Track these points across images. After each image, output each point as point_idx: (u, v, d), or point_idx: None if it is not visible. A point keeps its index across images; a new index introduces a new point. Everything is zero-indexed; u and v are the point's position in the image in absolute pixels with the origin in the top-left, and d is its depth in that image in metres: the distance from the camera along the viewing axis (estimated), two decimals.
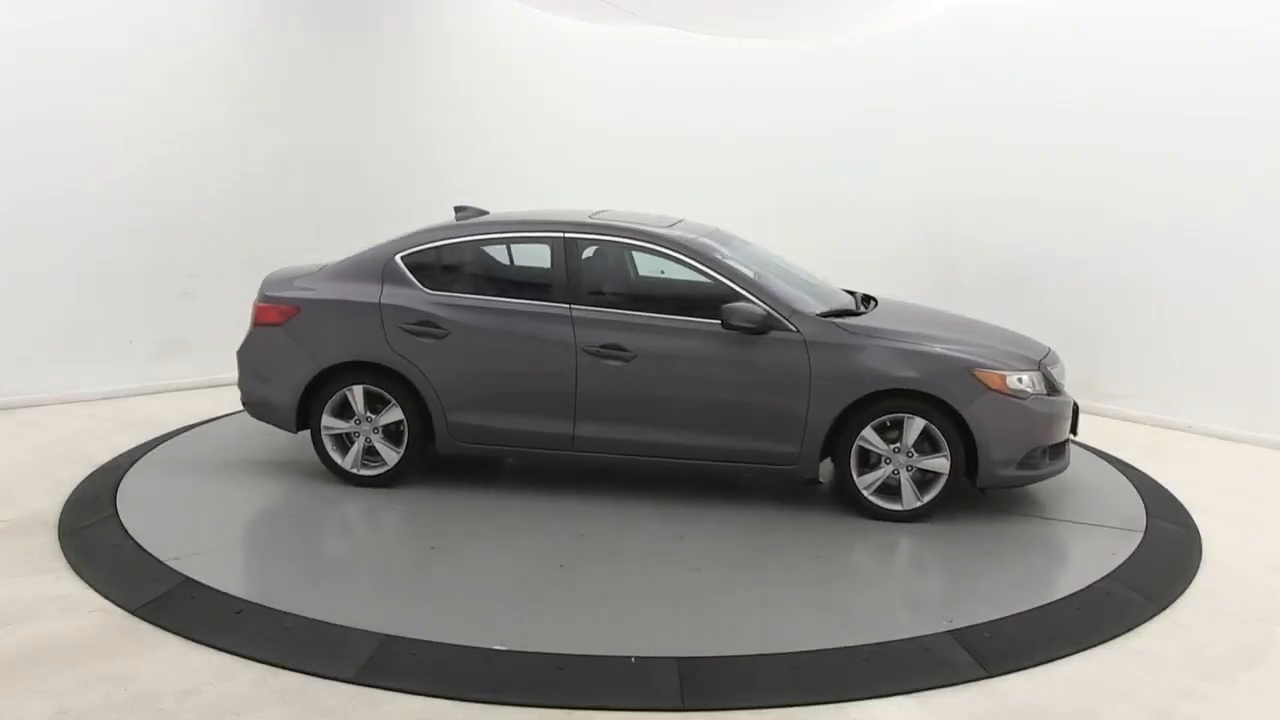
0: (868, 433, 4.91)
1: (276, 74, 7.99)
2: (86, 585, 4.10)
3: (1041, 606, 4.07)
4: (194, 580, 4.09)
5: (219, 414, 6.83)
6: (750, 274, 5.24)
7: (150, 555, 4.33)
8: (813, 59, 9.35)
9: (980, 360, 4.94)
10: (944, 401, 4.83)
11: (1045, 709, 3.34)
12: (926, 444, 4.90)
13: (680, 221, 5.76)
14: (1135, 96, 7.34)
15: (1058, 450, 5.15)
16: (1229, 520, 5.25)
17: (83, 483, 5.34)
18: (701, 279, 5.18)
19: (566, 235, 5.32)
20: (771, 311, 4.99)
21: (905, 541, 4.76)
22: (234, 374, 5.63)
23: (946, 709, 3.33)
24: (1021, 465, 4.95)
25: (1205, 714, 3.34)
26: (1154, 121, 7.25)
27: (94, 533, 4.63)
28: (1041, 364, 5.13)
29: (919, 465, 4.91)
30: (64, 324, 7.10)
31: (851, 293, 5.86)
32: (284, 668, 3.46)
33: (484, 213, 5.97)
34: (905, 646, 3.71)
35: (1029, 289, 8.05)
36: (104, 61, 7.11)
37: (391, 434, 5.29)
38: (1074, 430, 5.24)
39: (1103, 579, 4.36)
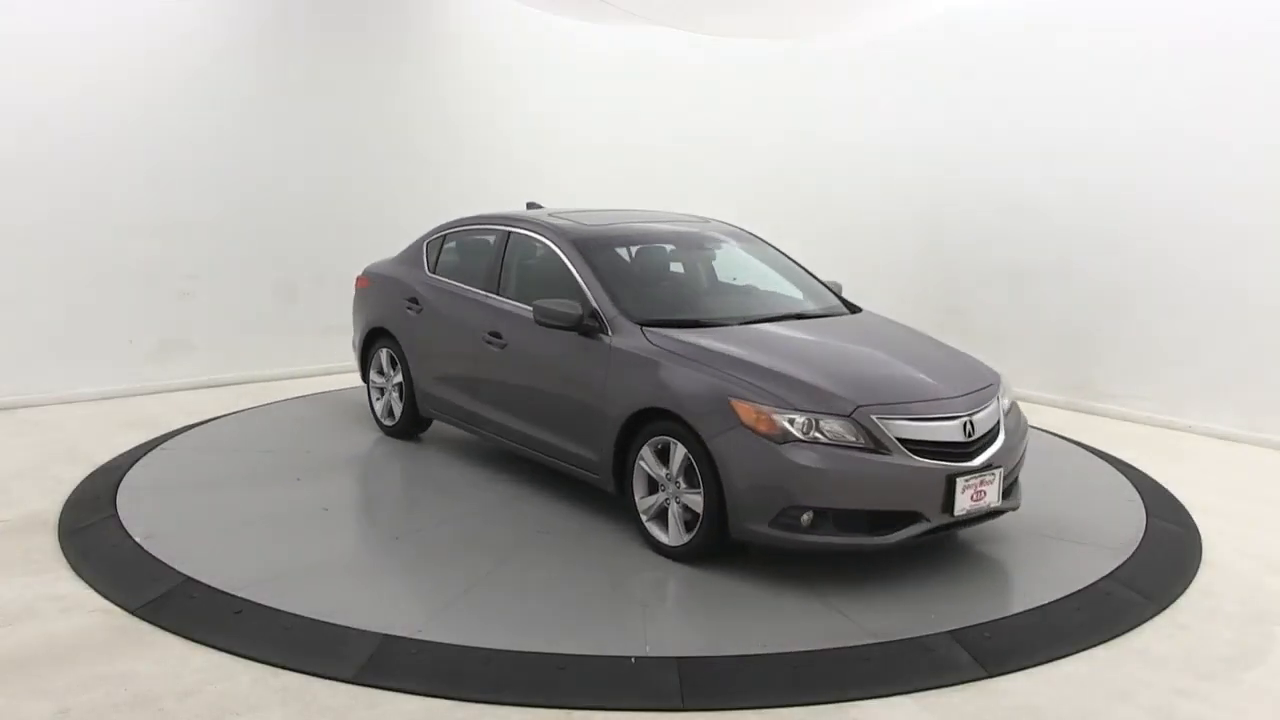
0: (645, 453, 4.47)
1: (275, 75, 7.99)
2: (86, 585, 4.10)
3: (1041, 606, 4.06)
4: (194, 580, 4.09)
5: (219, 414, 6.83)
6: (606, 270, 5.04)
7: (150, 555, 4.33)
8: (812, 59, 9.36)
9: (739, 391, 4.17)
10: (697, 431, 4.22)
11: (1045, 709, 3.33)
12: (696, 476, 4.27)
13: (710, 221, 5.96)
14: (1136, 96, 7.34)
15: (849, 520, 4.08)
16: (1229, 520, 5.25)
17: (83, 483, 5.35)
18: (566, 271, 5.12)
19: (502, 228, 5.75)
20: (592, 311, 4.81)
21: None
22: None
23: (946, 709, 3.33)
24: (774, 524, 4.05)
25: (1205, 714, 3.34)
26: (1154, 121, 7.25)
27: (94, 533, 4.63)
28: (858, 413, 4.07)
29: (682, 498, 4.35)
30: (64, 324, 7.11)
31: (844, 300, 5.53)
32: (284, 668, 3.46)
33: (539, 208, 6.35)
34: (905, 646, 3.70)
35: (1029, 289, 8.06)
36: (104, 63, 7.12)
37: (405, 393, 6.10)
38: (949, 510, 4.11)
39: (1103, 579, 4.36)
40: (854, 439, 4.05)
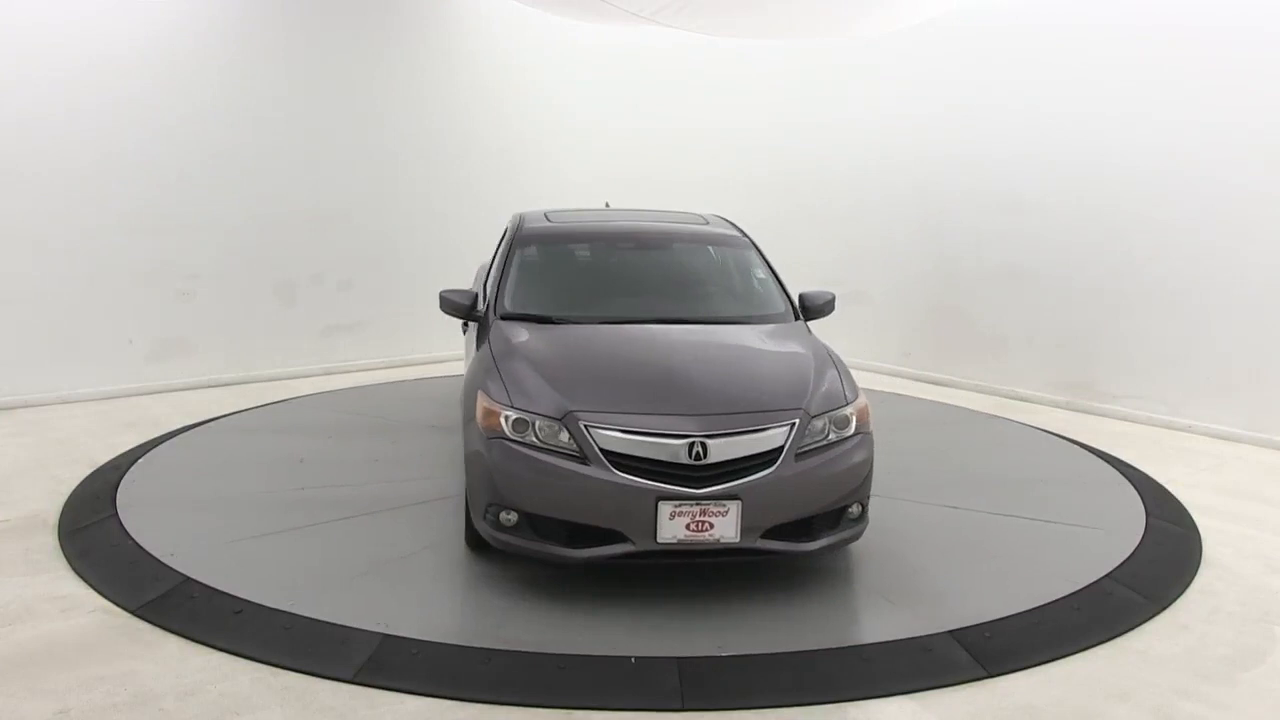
0: None
1: (276, 76, 7.99)
2: (86, 585, 4.10)
3: (1041, 606, 4.06)
4: (194, 580, 4.09)
5: (219, 414, 6.82)
6: (521, 264, 5.22)
7: (150, 555, 4.33)
8: (813, 59, 9.36)
9: (485, 384, 4.20)
10: None
11: (1045, 709, 3.34)
12: None
13: (710, 221, 5.96)
14: (1136, 96, 7.34)
15: (548, 528, 3.91)
16: (1229, 520, 5.25)
17: (83, 483, 5.35)
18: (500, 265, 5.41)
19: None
20: (479, 302, 5.11)
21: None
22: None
23: (946, 709, 3.33)
24: (485, 519, 4.04)
25: (1205, 714, 3.34)
26: (1154, 121, 7.25)
27: (94, 533, 4.64)
28: (569, 418, 3.89)
29: None
30: (64, 324, 7.11)
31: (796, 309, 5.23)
32: (284, 668, 3.46)
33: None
34: (905, 646, 3.71)
35: (1029, 289, 8.06)
36: (104, 62, 7.11)
37: None
38: (655, 536, 3.80)
39: (1103, 579, 4.36)
40: (565, 445, 3.89)
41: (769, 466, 3.91)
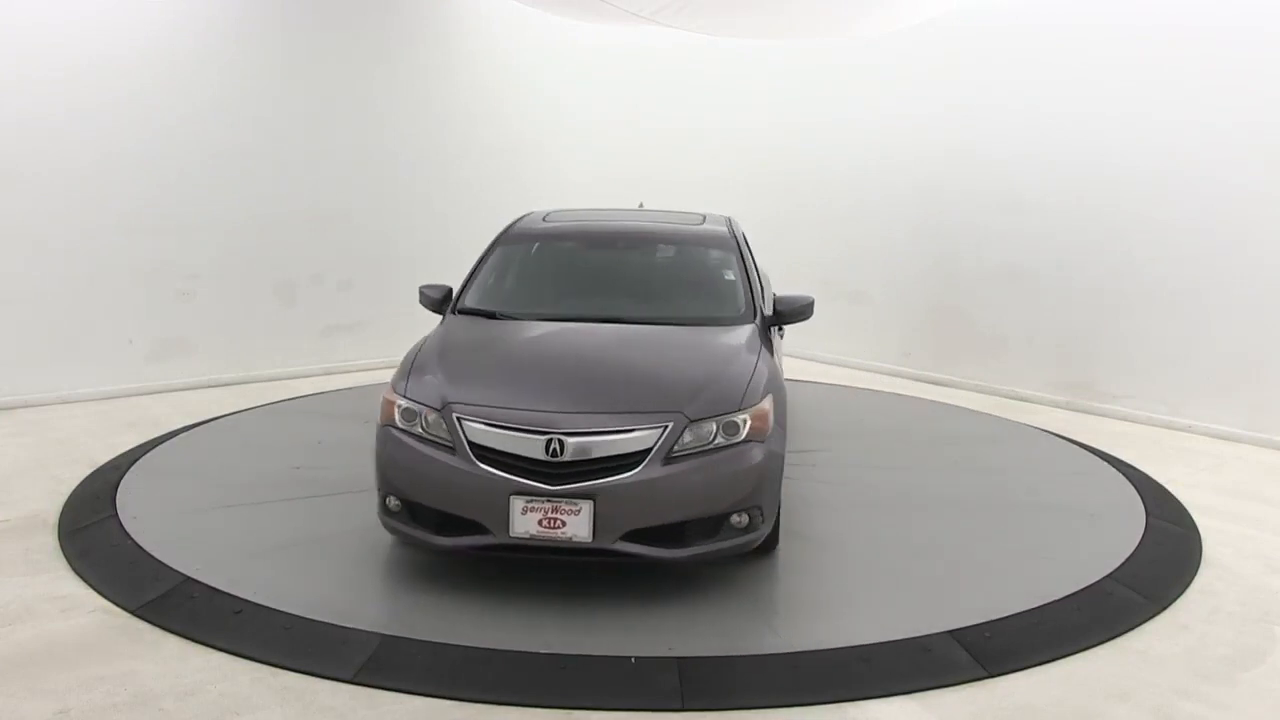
0: None
1: (275, 75, 7.99)
2: (86, 585, 4.10)
3: (1041, 606, 4.06)
4: (194, 580, 4.09)
5: (219, 414, 6.82)
6: (494, 262, 5.39)
7: (150, 555, 4.33)
8: (813, 59, 9.36)
9: (395, 374, 4.39)
10: None
11: (1045, 709, 3.34)
12: None
13: (705, 222, 5.94)
14: (1136, 96, 7.34)
15: (422, 515, 4.02)
16: (1229, 520, 5.25)
17: (83, 483, 5.35)
18: None
19: None
20: (448, 293, 5.26)
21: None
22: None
23: (946, 709, 3.33)
24: (380, 506, 4.20)
25: (1205, 714, 3.34)
26: (1154, 121, 7.25)
27: (94, 533, 4.64)
28: (447, 409, 3.99)
29: None
30: (64, 324, 7.11)
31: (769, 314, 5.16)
32: (284, 668, 3.46)
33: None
34: (905, 646, 3.71)
35: (1029, 289, 8.06)
36: (104, 62, 7.11)
37: None
38: (509, 529, 3.83)
39: (1103, 579, 4.36)
40: (443, 436, 3.99)
41: (633, 469, 3.86)
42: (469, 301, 5.17)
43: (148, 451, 5.88)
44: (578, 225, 5.84)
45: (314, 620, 3.77)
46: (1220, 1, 6.92)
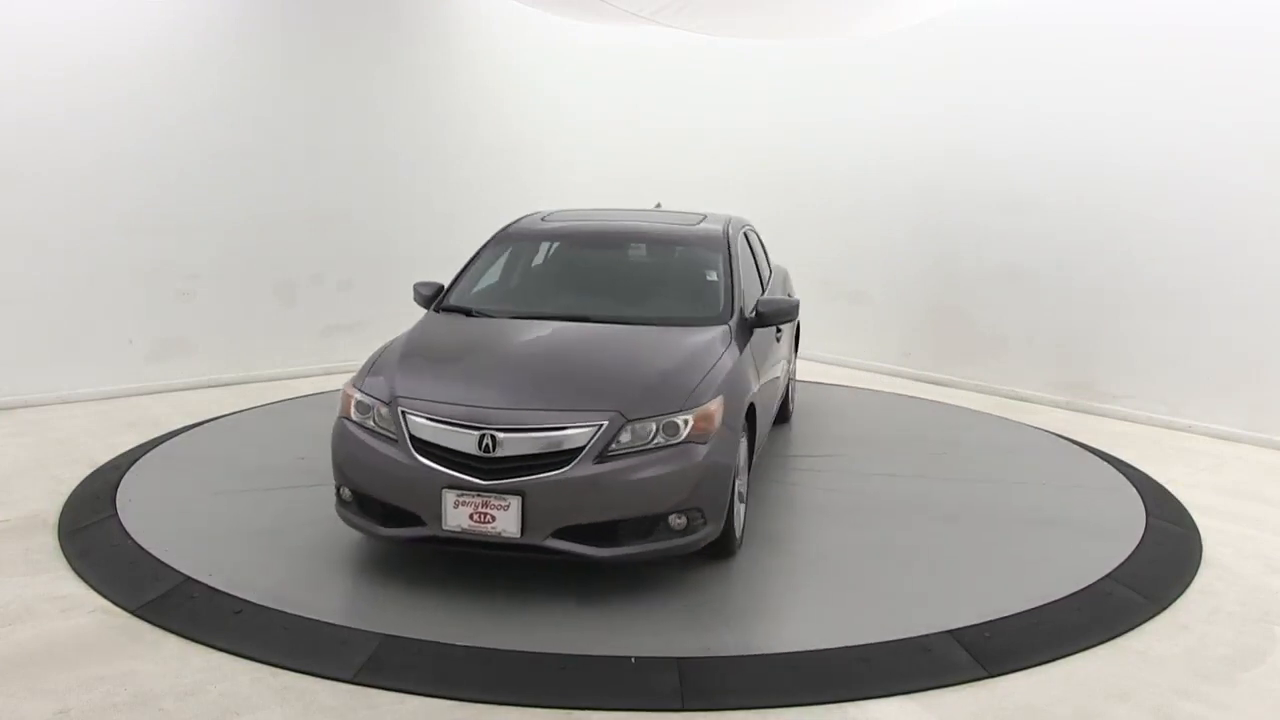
0: None
1: (275, 75, 7.99)
2: (86, 585, 4.10)
3: (1041, 606, 4.06)
4: (194, 580, 4.09)
5: (219, 414, 6.82)
6: (485, 260, 5.53)
7: (150, 555, 4.33)
8: (813, 59, 9.36)
9: (356, 373, 4.50)
10: None
11: (1045, 709, 3.34)
12: None
13: (703, 223, 5.92)
14: (1136, 96, 7.34)
15: (369, 506, 4.13)
16: (1229, 520, 5.25)
17: (83, 483, 5.34)
18: None
19: None
20: (439, 290, 5.34)
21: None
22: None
23: (946, 709, 3.33)
24: (336, 497, 4.34)
25: (1205, 714, 3.34)
26: (1154, 121, 7.25)
27: (94, 533, 4.64)
28: (395, 403, 4.09)
29: None
30: (64, 324, 7.11)
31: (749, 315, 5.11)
32: (284, 668, 3.46)
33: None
34: (905, 646, 3.71)
35: (1029, 289, 8.06)
36: (104, 62, 7.11)
37: None
38: (441, 522, 3.90)
39: (1103, 579, 4.36)
40: (391, 429, 4.09)
41: (564, 466, 3.87)
42: (449, 299, 5.26)
43: (148, 451, 5.88)
44: (566, 226, 5.87)
45: (314, 620, 3.78)
46: (1220, 1, 6.92)
